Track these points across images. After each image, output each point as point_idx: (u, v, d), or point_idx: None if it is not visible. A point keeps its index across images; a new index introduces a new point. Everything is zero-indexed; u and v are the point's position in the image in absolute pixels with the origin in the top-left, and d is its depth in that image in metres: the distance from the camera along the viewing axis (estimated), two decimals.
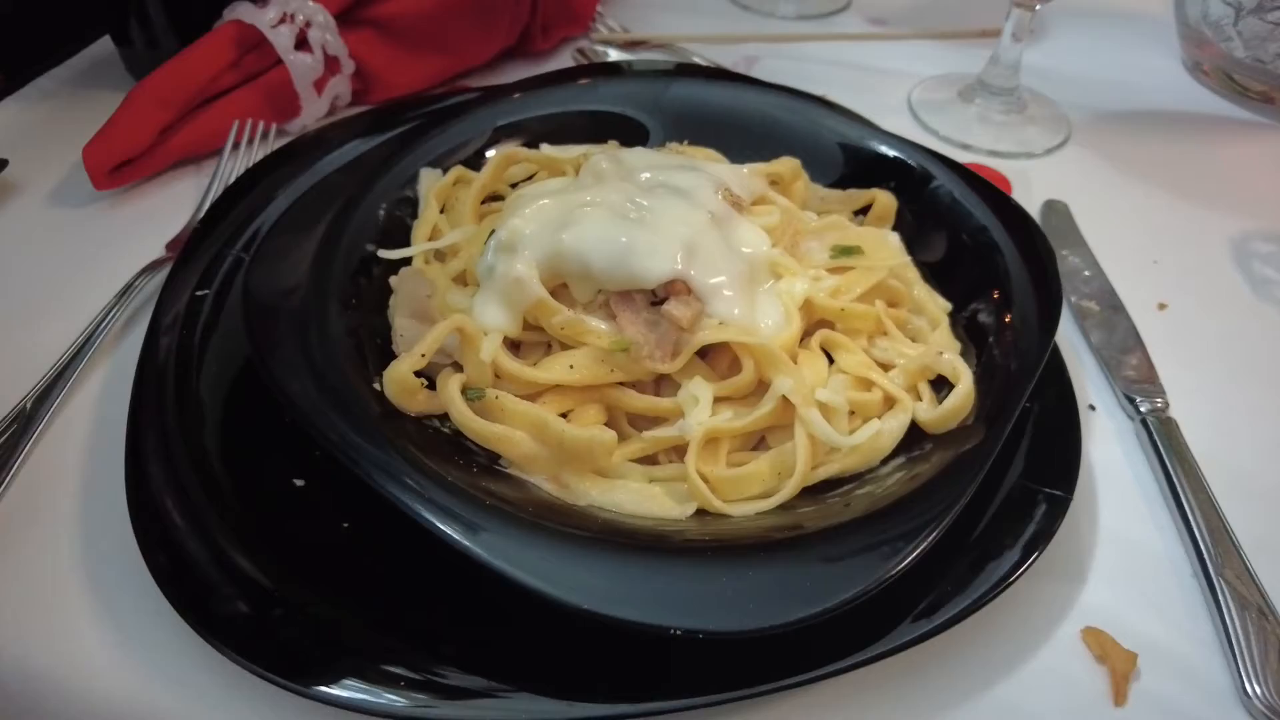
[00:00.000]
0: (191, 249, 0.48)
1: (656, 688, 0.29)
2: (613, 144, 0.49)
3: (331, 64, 0.60)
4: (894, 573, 0.30)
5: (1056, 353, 0.41)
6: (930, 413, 0.37)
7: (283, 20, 0.58)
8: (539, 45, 0.68)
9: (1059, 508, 0.35)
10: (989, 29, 0.71)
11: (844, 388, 0.37)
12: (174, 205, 0.55)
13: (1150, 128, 0.65)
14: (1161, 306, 0.50)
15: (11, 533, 0.36)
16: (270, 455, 0.37)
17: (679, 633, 0.27)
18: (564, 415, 0.37)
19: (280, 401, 0.34)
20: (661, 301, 0.37)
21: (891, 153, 0.49)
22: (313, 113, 0.60)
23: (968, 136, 0.62)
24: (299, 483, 0.36)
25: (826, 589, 0.29)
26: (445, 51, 0.63)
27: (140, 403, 0.39)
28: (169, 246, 0.51)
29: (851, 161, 0.50)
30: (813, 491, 0.36)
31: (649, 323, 0.37)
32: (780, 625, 0.28)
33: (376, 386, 0.36)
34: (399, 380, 0.35)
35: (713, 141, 0.50)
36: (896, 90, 0.66)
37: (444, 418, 0.36)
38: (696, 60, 0.68)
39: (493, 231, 0.39)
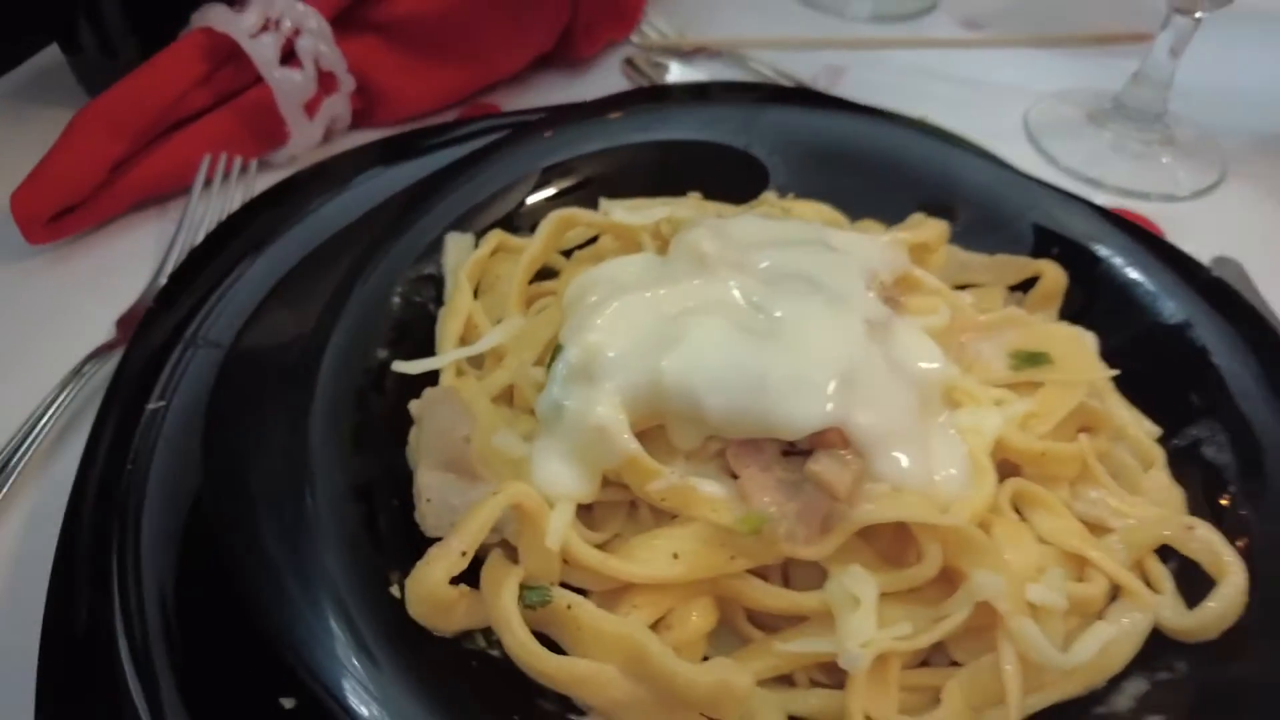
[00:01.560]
0: (144, 331, 0.37)
1: None
2: (694, 197, 0.38)
3: (326, 80, 0.49)
4: None
5: None
6: (1181, 616, 0.26)
7: (265, 28, 0.47)
8: (581, 51, 0.57)
9: None
10: (1121, 33, 0.59)
11: (1061, 580, 0.26)
12: (130, 262, 0.45)
13: None
14: None
15: None
16: (247, 666, 0.25)
17: None
18: (660, 620, 0.26)
19: (253, 623, 0.23)
20: (805, 453, 0.26)
21: (1049, 209, 0.38)
22: (303, 141, 0.49)
23: (1099, 170, 0.51)
24: (288, 704, 0.25)
25: None
26: (467, 60, 0.52)
27: (65, 577, 0.28)
28: (120, 324, 0.40)
29: (994, 218, 0.39)
30: None
31: (787, 486, 0.26)
32: None
33: (395, 591, 0.25)
34: (429, 594, 0.24)
35: (823, 190, 0.39)
36: (1009, 109, 0.56)
37: (490, 633, 0.25)
38: (765, 71, 0.57)
39: (559, 348, 0.28)
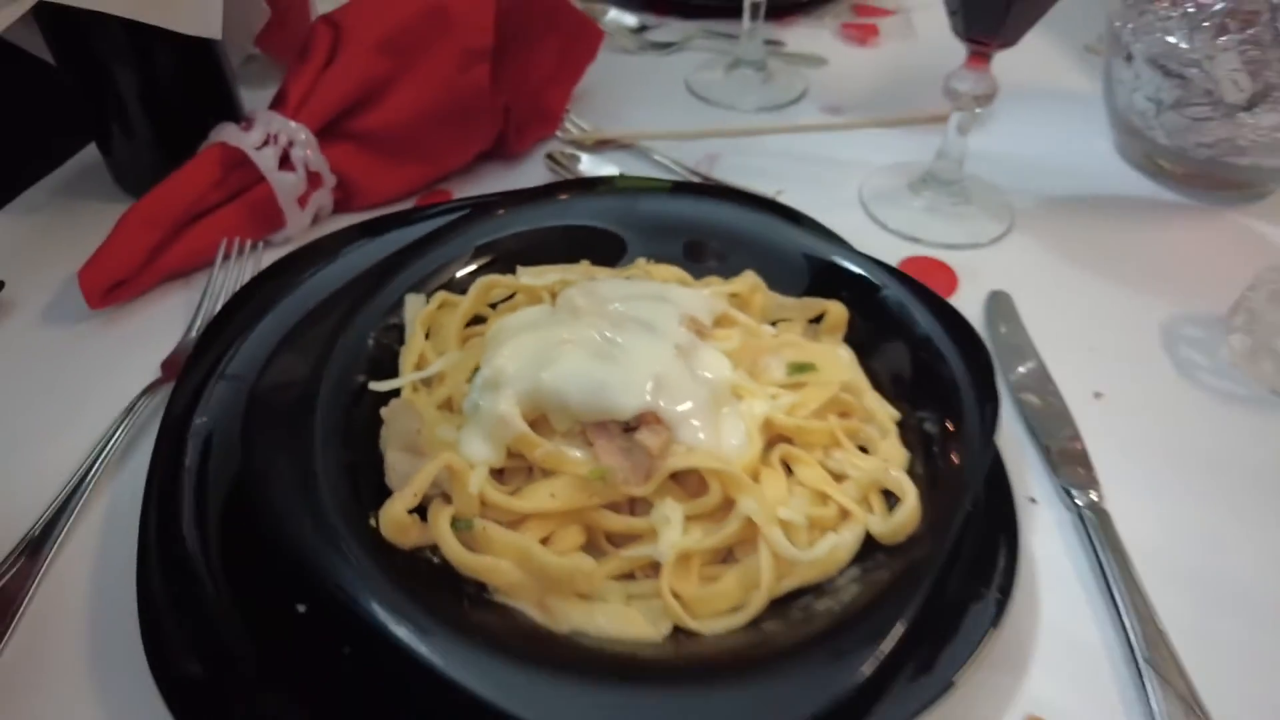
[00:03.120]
0: (188, 371, 0.50)
1: None
2: (585, 264, 0.53)
3: (314, 179, 0.63)
4: (856, 684, 0.33)
5: (998, 454, 0.45)
6: (882, 525, 0.40)
7: (266, 142, 0.61)
8: (514, 148, 0.71)
9: (999, 607, 0.39)
10: (937, 114, 0.75)
11: (804, 503, 0.41)
12: (166, 322, 0.57)
13: (1085, 211, 0.69)
14: (1098, 395, 0.54)
15: (20, 676, 0.38)
16: (274, 582, 0.39)
17: None
18: (546, 538, 0.40)
19: (280, 544, 0.37)
20: (634, 429, 0.40)
21: (842, 262, 0.53)
22: (297, 225, 0.63)
23: (918, 230, 0.66)
24: (301, 608, 0.39)
25: (790, 708, 0.32)
26: (424, 160, 0.66)
27: (146, 540, 0.41)
28: (164, 366, 0.54)
29: (806, 269, 0.53)
30: (776, 603, 0.39)
31: (623, 450, 0.40)
32: None
33: (372, 523, 0.39)
34: (394, 520, 0.38)
35: (678, 255, 0.54)
36: (849, 182, 0.70)
37: (435, 548, 0.39)
38: (659, 158, 0.72)
39: (478, 369, 0.42)
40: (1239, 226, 0.69)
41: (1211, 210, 0.70)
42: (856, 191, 0.70)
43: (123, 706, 0.38)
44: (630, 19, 0.91)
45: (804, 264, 0.54)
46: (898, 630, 0.35)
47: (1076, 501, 0.47)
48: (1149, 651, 0.40)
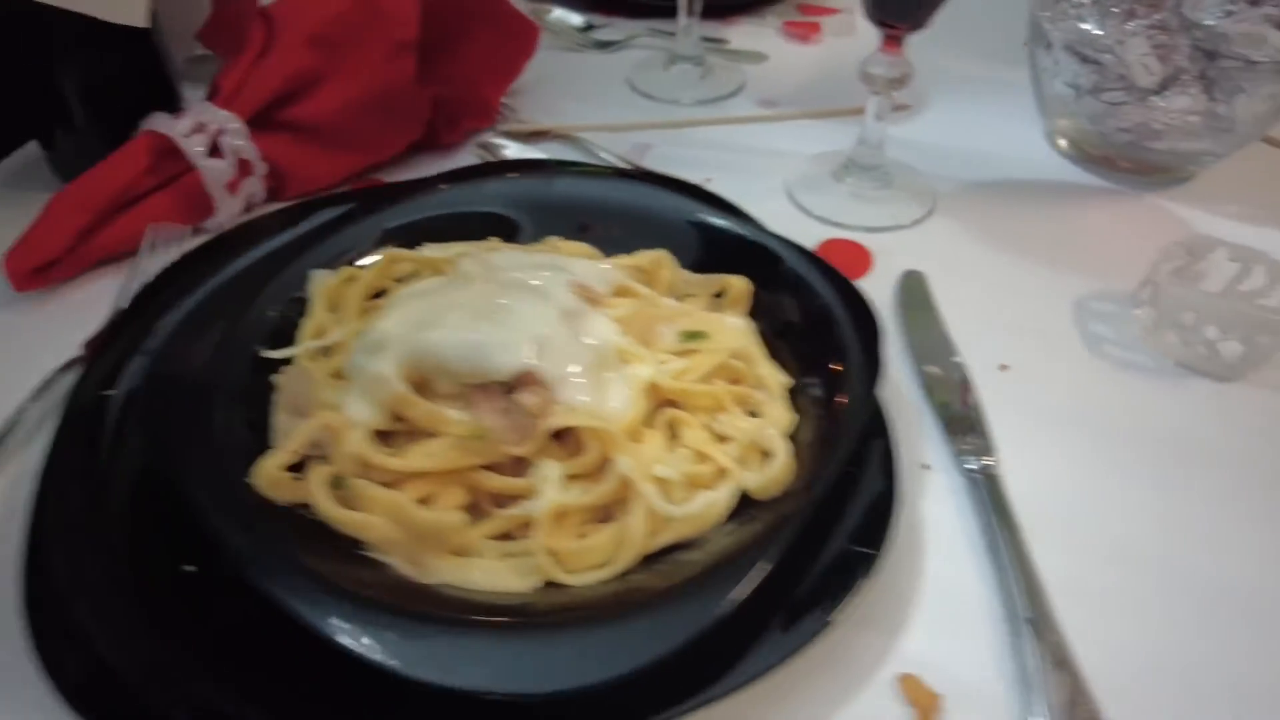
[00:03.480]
0: (103, 348, 0.51)
1: None
2: (494, 240, 0.54)
3: (244, 166, 0.64)
4: (713, 622, 0.34)
5: (882, 420, 0.46)
6: (755, 481, 0.41)
7: (196, 130, 0.62)
8: (445, 139, 0.73)
9: (869, 564, 0.39)
10: (861, 106, 0.76)
11: (683, 462, 0.42)
12: (93, 304, 0.58)
13: (1009, 195, 0.71)
14: (1003, 367, 0.55)
15: None
16: (164, 543, 0.40)
17: (498, 696, 0.31)
18: (427, 498, 0.41)
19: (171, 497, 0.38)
20: (515, 391, 0.41)
21: (746, 238, 0.54)
22: (227, 211, 0.64)
23: (840, 215, 0.67)
24: (189, 568, 0.40)
25: (640, 650, 0.33)
26: (353, 149, 0.68)
27: (44, 497, 0.42)
28: (86, 346, 0.55)
29: (713, 248, 0.54)
30: (655, 558, 0.40)
31: (503, 411, 0.41)
32: (590, 685, 0.32)
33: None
34: (266, 475, 0.39)
35: (590, 234, 0.55)
36: (776, 171, 0.71)
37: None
38: (599, 150, 0.73)
39: (320, 330, 0.43)
40: (1159, 209, 0.70)
41: (1133, 194, 0.71)
42: (783, 180, 0.71)
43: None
44: (576, 18, 0.93)
45: (709, 241, 0.55)
46: (758, 572, 0.35)
47: (968, 466, 0.48)
48: (1028, 609, 0.41)
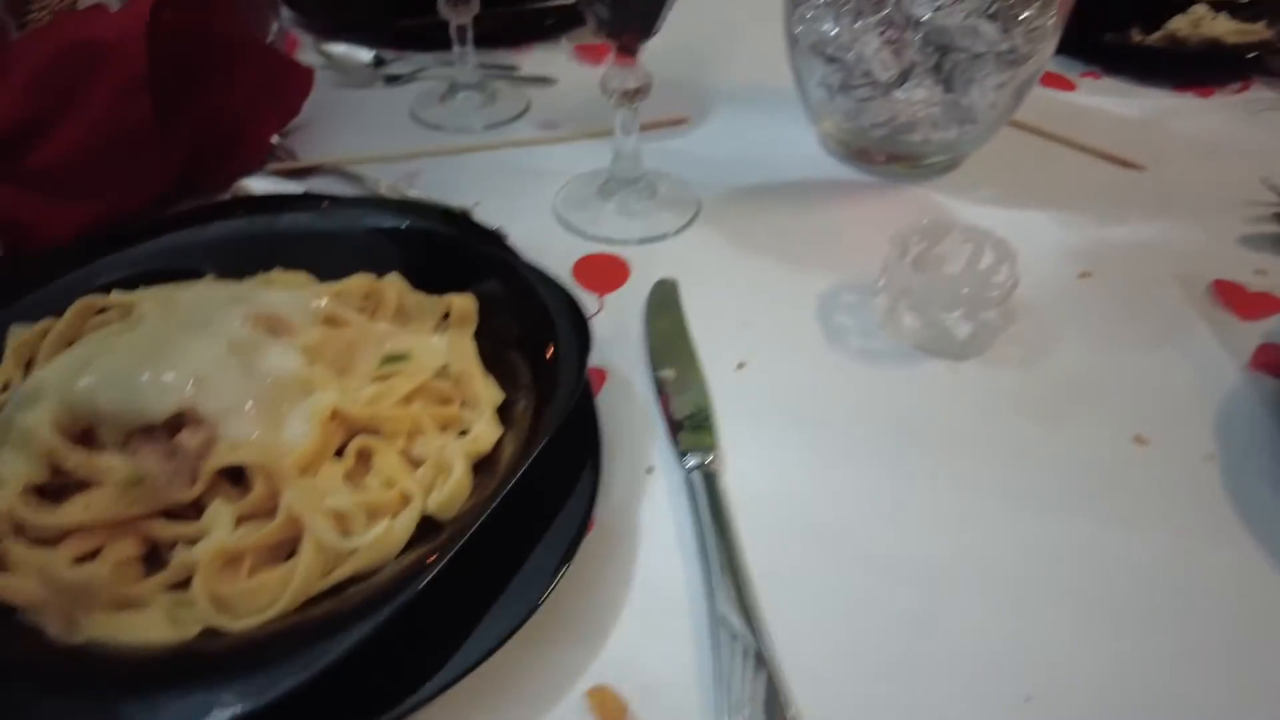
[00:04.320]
0: None
1: None
2: (210, 277, 0.52)
3: None
4: (333, 661, 0.32)
5: (596, 427, 0.45)
6: (434, 502, 0.40)
7: None
8: (208, 182, 0.71)
9: (557, 577, 0.39)
10: (649, 121, 0.77)
11: (369, 490, 0.41)
12: None
13: (774, 198, 0.72)
14: (740, 366, 0.55)
15: None
16: None
17: None
18: (95, 552, 0.39)
19: None
20: (178, 429, 0.40)
21: (471, 256, 0.53)
22: None
23: (603, 229, 0.67)
24: None
25: (269, 687, 0.32)
26: (95, 196, 0.65)
27: None
28: None
29: (444, 268, 0.53)
30: (342, 590, 0.39)
31: (166, 454, 0.39)
32: None
33: None
34: None
35: (312, 263, 0.53)
36: (546, 191, 0.71)
37: None
38: (368, 181, 0.72)
39: (6, 385, 0.41)
40: (919, 199, 0.72)
41: (895, 186, 0.73)
42: (551, 199, 0.71)
43: None
44: (365, 53, 0.92)
45: (441, 262, 0.54)
46: (407, 595, 0.34)
47: (688, 466, 0.48)
48: (726, 609, 0.41)
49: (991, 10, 0.62)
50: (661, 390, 0.53)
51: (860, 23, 0.65)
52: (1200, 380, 0.55)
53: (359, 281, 0.50)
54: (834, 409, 0.52)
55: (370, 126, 0.82)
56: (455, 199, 0.70)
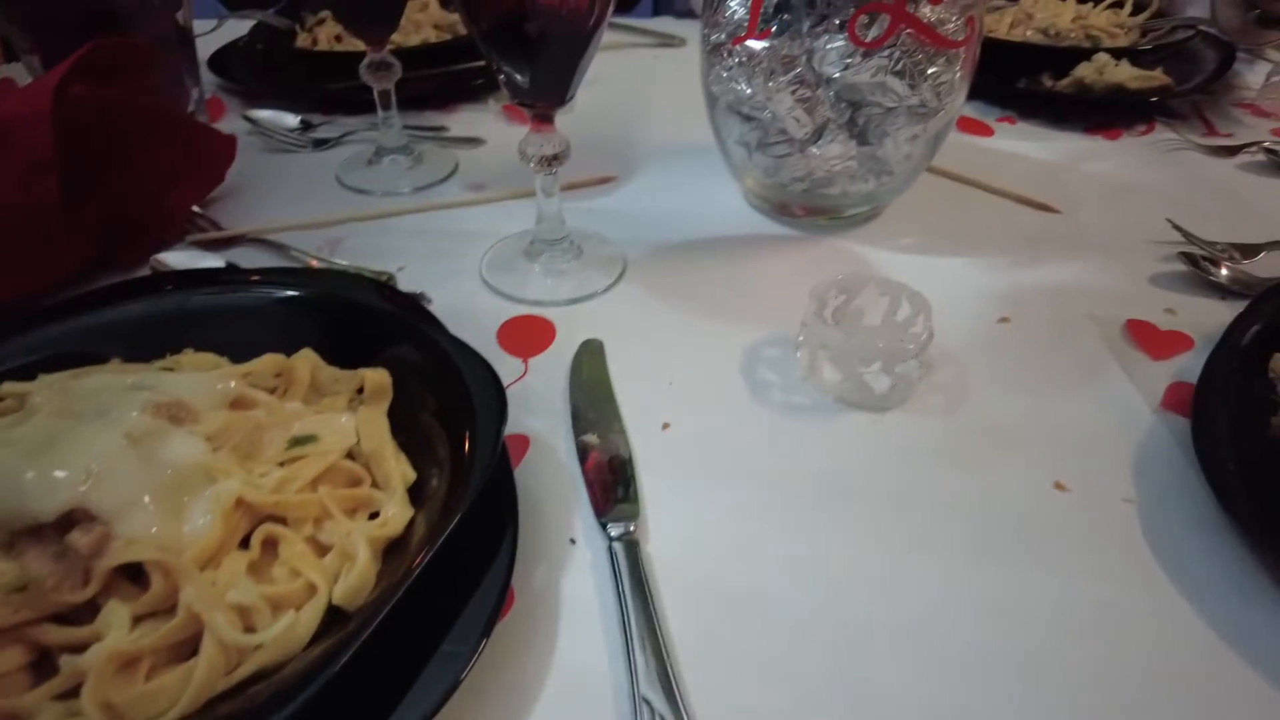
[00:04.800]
0: None
1: None
2: (115, 363, 0.51)
3: None
4: None
5: (514, 502, 0.45)
6: (339, 592, 0.39)
7: None
8: (126, 257, 0.69)
9: (472, 660, 0.38)
10: (578, 180, 0.78)
11: (276, 581, 0.39)
12: None
13: (698, 254, 0.72)
14: (665, 426, 0.55)
15: None
16: None
17: None
18: None
19: None
20: (68, 528, 0.38)
21: (389, 325, 0.53)
22: None
23: (528, 291, 0.67)
24: None
25: None
26: (2, 281, 0.64)
27: None
28: None
29: (361, 337, 0.53)
30: (243, 689, 0.37)
31: (56, 555, 0.38)
32: None
33: None
34: None
35: (225, 339, 0.52)
36: (473, 254, 0.71)
37: None
38: (291, 250, 0.71)
39: None
40: (840, 250, 0.73)
41: (816, 238, 0.74)
42: (478, 261, 0.70)
43: None
44: (291, 119, 0.92)
45: (351, 335, 0.53)
46: (308, 692, 0.33)
47: (611, 535, 0.47)
48: (650, 691, 0.40)
49: (898, 68, 0.64)
50: (584, 456, 0.52)
51: (773, 82, 0.66)
52: (1117, 422, 0.56)
53: (269, 361, 0.50)
54: (758, 467, 0.52)
55: (297, 193, 0.82)
56: (380, 264, 0.69)
